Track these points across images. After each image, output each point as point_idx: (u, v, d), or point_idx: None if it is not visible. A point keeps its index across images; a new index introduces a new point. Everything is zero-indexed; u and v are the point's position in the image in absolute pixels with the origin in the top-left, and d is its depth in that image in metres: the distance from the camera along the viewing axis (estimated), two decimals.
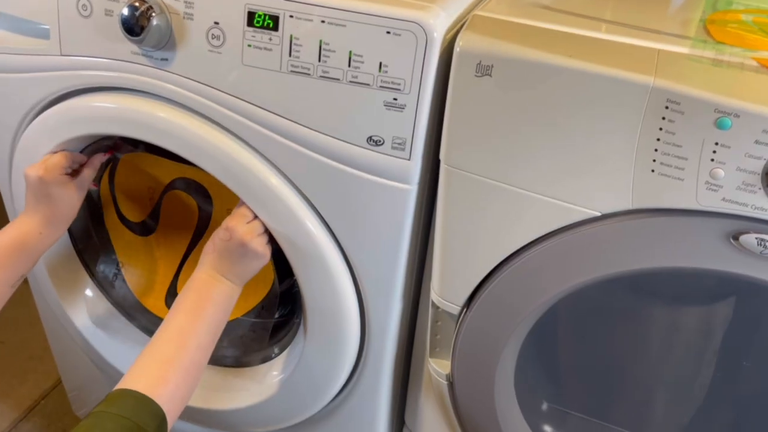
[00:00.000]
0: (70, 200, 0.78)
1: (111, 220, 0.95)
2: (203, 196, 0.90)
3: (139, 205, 0.94)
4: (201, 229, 0.93)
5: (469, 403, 0.77)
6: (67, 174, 0.77)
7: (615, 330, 0.76)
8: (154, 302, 0.96)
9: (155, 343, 0.67)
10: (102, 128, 0.75)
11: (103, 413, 0.58)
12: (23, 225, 0.76)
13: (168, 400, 0.62)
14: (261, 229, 0.74)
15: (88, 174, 0.80)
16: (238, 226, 0.72)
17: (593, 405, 0.81)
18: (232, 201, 0.78)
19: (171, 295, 0.96)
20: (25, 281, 0.81)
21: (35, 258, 0.78)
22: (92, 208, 0.94)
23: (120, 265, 0.96)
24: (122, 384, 0.62)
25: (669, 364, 0.75)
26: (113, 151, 0.84)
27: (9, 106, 0.80)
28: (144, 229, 0.96)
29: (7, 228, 0.76)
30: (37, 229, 0.76)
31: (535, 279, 0.65)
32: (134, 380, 0.62)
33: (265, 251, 0.74)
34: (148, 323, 0.97)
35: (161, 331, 0.68)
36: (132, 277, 0.97)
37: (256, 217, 0.74)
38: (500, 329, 0.69)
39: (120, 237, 0.96)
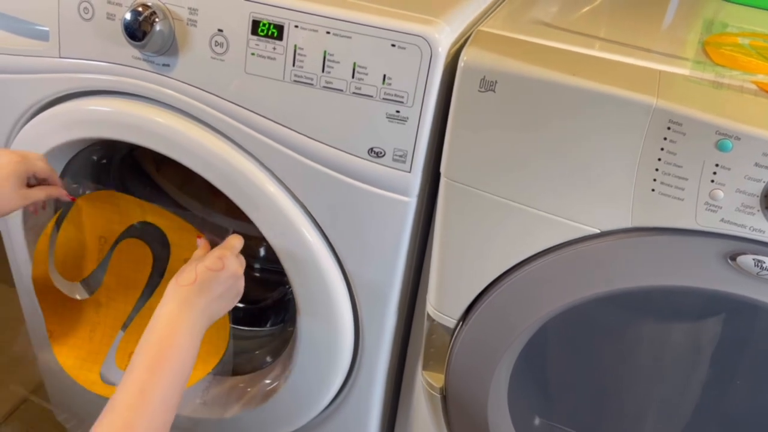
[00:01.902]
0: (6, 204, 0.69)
1: (41, 280, 0.83)
2: (160, 244, 0.82)
3: (84, 260, 0.84)
4: (151, 287, 0.84)
5: (462, 417, 0.77)
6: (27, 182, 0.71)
7: (609, 346, 0.76)
8: (86, 375, 0.84)
9: (114, 407, 0.56)
10: (99, 132, 0.74)
11: None
12: None
13: None
14: (243, 267, 0.69)
15: (41, 195, 0.72)
16: (231, 257, 0.66)
17: (586, 421, 0.82)
18: (191, 249, 0.72)
19: (108, 366, 0.85)
20: (4, 286, 0.77)
21: None
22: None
23: (48, 333, 0.84)
24: None
25: (663, 381, 0.76)
26: (75, 198, 0.79)
27: (4, 107, 0.79)
28: (82, 288, 0.86)
29: None
30: None
31: (532, 294, 0.65)
32: None
33: (240, 293, 0.68)
34: None
35: (118, 394, 0.57)
36: (61, 347, 0.84)
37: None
38: (496, 344, 0.69)
39: (50, 300, 0.84)
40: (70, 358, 0.84)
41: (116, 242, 0.83)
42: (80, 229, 0.83)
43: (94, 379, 0.84)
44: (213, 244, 0.72)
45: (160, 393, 0.57)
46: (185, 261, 0.69)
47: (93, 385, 0.84)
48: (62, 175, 0.84)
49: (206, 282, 0.64)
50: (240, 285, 0.67)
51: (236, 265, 0.67)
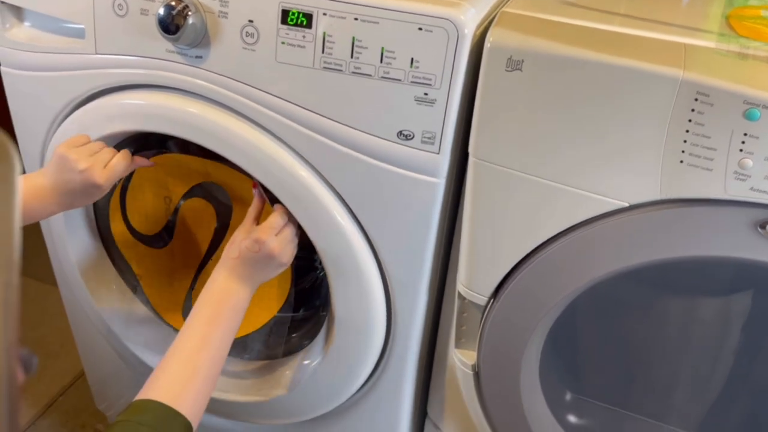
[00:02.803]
0: (95, 194, 0.75)
1: (119, 232, 0.93)
2: (223, 200, 0.89)
3: (153, 217, 0.92)
4: (218, 238, 0.91)
5: (495, 393, 0.78)
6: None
7: (638, 320, 0.77)
8: (171, 315, 0.96)
9: (176, 351, 0.66)
10: (135, 125, 0.77)
11: (129, 423, 0.57)
12: (37, 187, 0.72)
13: (191, 409, 0.62)
14: (290, 238, 0.74)
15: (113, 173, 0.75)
16: (268, 239, 0.72)
17: (616, 395, 0.83)
18: (250, 200, 0.78)
19: (187, 308, 0.95)
20: (39, 283, 0.80)
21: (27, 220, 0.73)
22: (98, 220, 0.93)
23: (138, 277, 0.96)
24: (146, 393, 0.61)
25: (693, 354, 0.76)
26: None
27: (43, 104, 0.82)
28: (156, 240, 0.94)
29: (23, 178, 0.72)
30: (49, 199, 0.72)
31: (562, 270, 0.66)
32: (158, 390, 0.62)
33: (290, 260, 0.74)
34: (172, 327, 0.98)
35: (181, 340, 0.67)
36: (150, 289, 0.96)
37: (286, 224, 0.74)
38: (527, 320, 0.71)
39: (132, 249, 0.94)
40: (158, 299, 0.96)
41: (180, 202, 0.90)
42: (145, 191, 0.89)
43: (178, 319, 0.95)
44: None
45: (218, 339, 0.68)
46: (243, 207, 0.76)
47: (177, 323, 0.95)
48: None
49: (247, 259, 0.72)
50: (282, 259, 0.73)
51: (272, 245, 0.72)
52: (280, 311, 0.89)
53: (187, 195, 0.90)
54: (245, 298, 0.72)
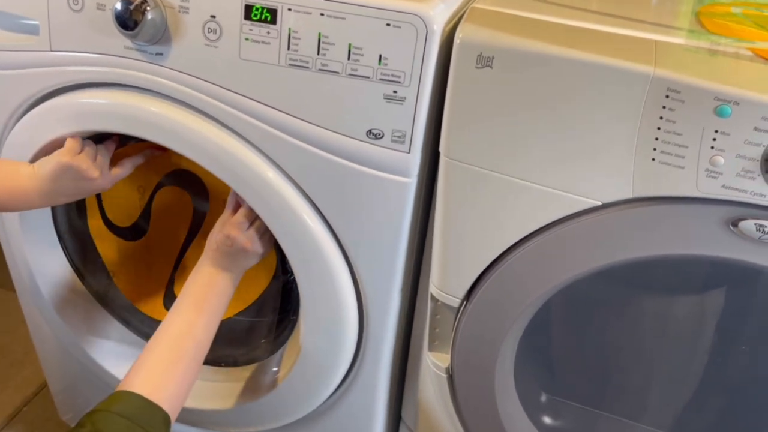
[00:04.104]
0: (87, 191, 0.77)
1: (96, 227, 0.92)
2: (198, 188, 0.89)
3: (128, 207, 0.92)
4: (197, 224, 0.92)
5: (469, 396, 0.77)
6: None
7: (613, 320, 0.77)
8: (152, 306, 0.94)
9: (162, 336, 0.67)
10: (93, 125, 0.74)
11: (109, 414, 0.57)
12: (22, 178, 0.73)
13: (170, 401, 0.62)
14: (262, 230, 0.75)
15: (120, 174, 0.79)
16: (238, 235, 0.73)
17: (591, 395, 0.82)
18: (226, 190, 0.78)
19: (169, 297, 0.94)
20: (1, 290, 0.80)
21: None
22: (75, 216, 0.91)
23: (111, 274, 0.94)
24: (130, 379, 0.62)
25: (667, 352, 0.76)
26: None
27: None
28: (133, 232, 0.94)
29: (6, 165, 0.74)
30: (33, 194, 0.73)
31: (536, 270, 0.65)
32: (141, 377, 0.62)
33: (267, 248, 0.75)
34: (143, 326, 0.95)
35: (167, 324, 0.68)
36: (126, 284, 0.95)
37: (255, 218, 0.74)
38: (501, 321, 0.70)
39: (107, 245, 0.93)
40: (134, 293, 0.94)
41: (155, 191, 0.90)
42: (119, 182, 0.86)
43: (159, 309, 0.94)
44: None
45: (203, 326, 0.70)
46: (224, 201, 0.78)
47: (158, 313, 0.93)
48: None
49: (223, 252, 0.74)
50: (257, 251, 0.75)
51: (242, 241, 0.73)
52: (243, 313, 0.89)
53: (162, 184, 0.89)
54: (230, 285, 0.74)
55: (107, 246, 0.93)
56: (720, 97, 0.52)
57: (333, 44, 0.62)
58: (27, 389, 1.39)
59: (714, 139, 0.53)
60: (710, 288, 0.70)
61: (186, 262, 0.93)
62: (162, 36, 0.67)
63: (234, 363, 0.91)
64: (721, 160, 0.54)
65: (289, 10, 0.62)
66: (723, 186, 0.54)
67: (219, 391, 0.90)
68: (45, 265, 0.91)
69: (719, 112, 0.52)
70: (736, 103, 0.52)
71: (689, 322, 0.74)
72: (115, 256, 0.94)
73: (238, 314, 0.90)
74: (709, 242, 0.57)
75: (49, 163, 0.73)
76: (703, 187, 0.55)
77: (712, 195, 0.55)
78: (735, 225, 0.55)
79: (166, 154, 0.85)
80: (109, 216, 0.92)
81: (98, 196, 0.91)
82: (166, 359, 0.65)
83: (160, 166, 0.87)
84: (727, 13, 0.69)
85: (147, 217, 0.93)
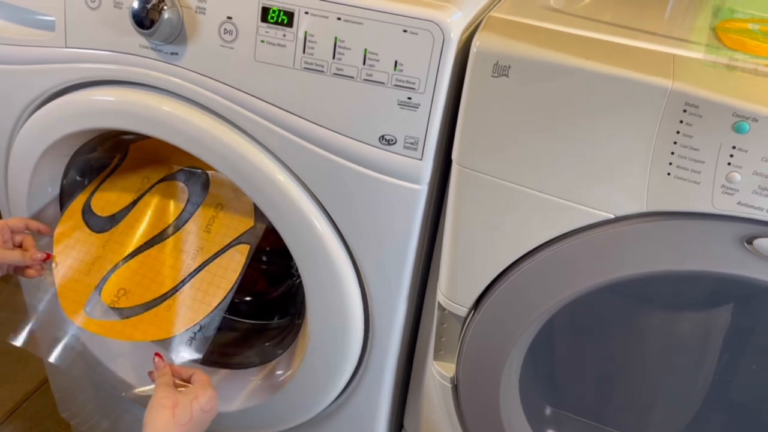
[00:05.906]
0: None
1: (73, 208, 0.86)
2: (200, 189, 0.84)
3: (121, 195, 0.86)
4: (165, 234, 0.85)
5: (474, 407, 0.76)
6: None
7: (620, 334, 0.76)
8: (72, 306, 0.84)
9: None
10: (106, 122, 0.74)
11: None
12: None
13: None
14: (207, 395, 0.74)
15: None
16: (213, 397, 0.73)
17: (597, 409, 0.81)
18: (224, 199, 0.76)
19: (92, 300, 0.84)
20: (9, 283, 0.79)
21: None
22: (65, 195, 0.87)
23: (53, 259, 0.85)
24: None
25: (674, 369, 0.75)
26: (50, 255, 0.81)
27: (10, 98, 0.79)
28: (104, 222, 0.87)
29: None
30: None
31: (545, 282, 0.65)
32: None
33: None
34: None
35: None
36: (64, 272, 0.85)
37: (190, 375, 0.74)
38: (508, 332, 0.69)
39: (66, 229, 0.86)
40: (65, 282, 0.85)
41: (158, 182, 0.85)
42: (134, 165, 0.85)
43: (77, 308, 0.84)
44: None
45: None
46: (215, 207, 0.74)
47: (73, 313, 0.84)
48: (67, 169, 0.84)
49: (198, 422, 0.71)
50: (214, 412, 0.74)
51: (205, 402, 0.72)
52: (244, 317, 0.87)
53: (169, 177, 0.85)
54: None
55: (63, 229, 0.85)
56: (738, 113, 0.52)
57: (349, 49, 0.62)
58: (28, 385, 1.40)
59: (731, 155, 0.53)
60: (721, 305, 0.70)
61: (132, 265, 0.84)
62: (178, 36, 0.67)
63: (238, 366, 0.91)
64: (737, 176, 0.53)
65: (306, 13, 0.62)
66: (739, 203, 0.54)
67: (222, 393, 0.89)
68: None
69: (737, 129, 0.52)
70: (755, 120, 0.51)
71: (698, 339, 0.73)
72: (65, 243, 0.85)
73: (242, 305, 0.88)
74: (722, 259, 0.57)
75: None
76: (718, 203, 0.55)
77: (728, 212, 0.55)
78: (750, 242, 0.55)
79: (167, 157, 0.82)
80: (94, 200, 0.86)
81: (101, 181, 0.87)
82: None
83: (174, 161, 0.85)
84: (744, 30, 0.69)
85: (128, 211, 0.87)
